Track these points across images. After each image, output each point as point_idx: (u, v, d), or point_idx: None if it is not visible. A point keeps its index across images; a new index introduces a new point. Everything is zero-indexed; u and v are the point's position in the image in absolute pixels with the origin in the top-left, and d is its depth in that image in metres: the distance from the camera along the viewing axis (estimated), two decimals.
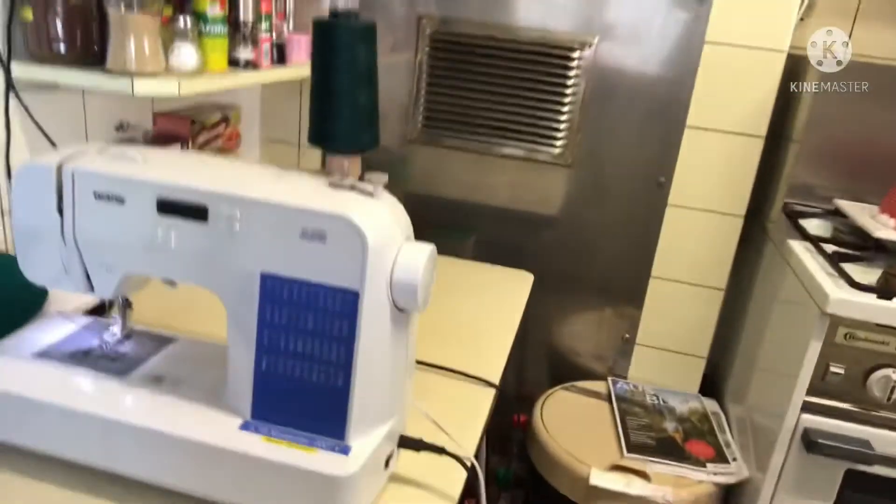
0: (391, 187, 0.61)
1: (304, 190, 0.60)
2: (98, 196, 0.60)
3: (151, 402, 0.63)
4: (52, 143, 0.95)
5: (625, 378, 1.53)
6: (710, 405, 1.46)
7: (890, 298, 1.04)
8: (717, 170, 1.39)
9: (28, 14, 0.85)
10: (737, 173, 1.39)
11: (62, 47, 0.87)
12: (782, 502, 1.15)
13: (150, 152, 0.63)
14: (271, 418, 0.62)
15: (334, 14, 0.59)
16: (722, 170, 1.39)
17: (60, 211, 0.61)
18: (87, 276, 0.64)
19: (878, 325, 1.05)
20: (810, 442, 1.09)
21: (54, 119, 0.96)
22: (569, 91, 1.40)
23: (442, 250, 1.53)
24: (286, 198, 0.57)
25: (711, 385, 1.54)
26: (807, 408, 1.10)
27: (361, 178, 0.63)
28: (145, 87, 0.85)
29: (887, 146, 1.45)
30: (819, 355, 1.08)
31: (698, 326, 1.49)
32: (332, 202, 0.57)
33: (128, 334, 0.71)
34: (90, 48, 0.89)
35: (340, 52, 0.59)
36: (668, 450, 1.29)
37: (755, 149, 1.37)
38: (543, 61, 1.39)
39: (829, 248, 1.21)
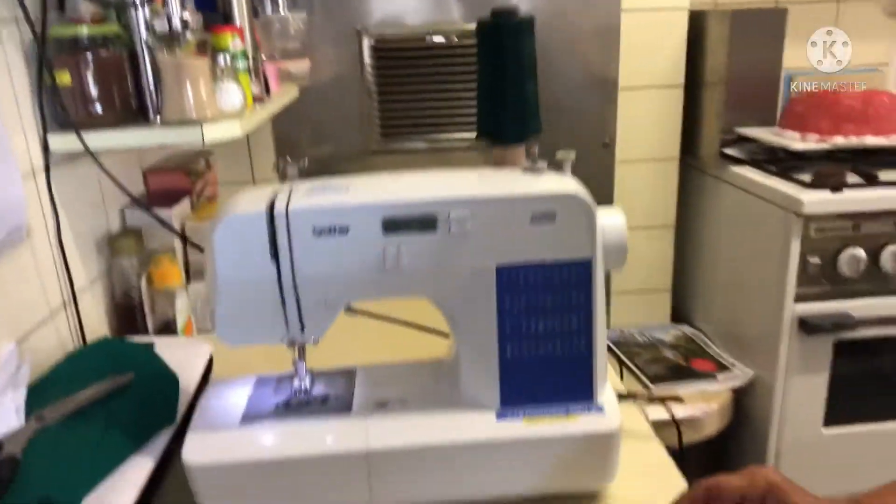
0: None
1: (512, 180, 0.63)
2: (318, 232, 0.58)
3: (402, 424, 0.62)
4: (140, 205, 0.86)
5: (607, 328, 1.67)
6: (687, 329, 1.64)
7: (839, 190, 1.27)
8: (650, 122, 1.57)
9: (66, 77, 0.76)
10: (667, 121, 1.57)
11: (99, 108, 0.79)
12: (793, 388, 1.34)
13: (345, 181, 0.63)
14: (519, 401, 0.64)
15: (496, 13, 0.63)
16: (655, 121, 1.57)
17: (275, 256, 0.58)
18: (301, 321, 0.61)
19: (837, 214, 1.27)
20: (808, 325, 1.29)
21: (75, 190, 0.87)
22: None
23: None
24: (512, 189, 0.60)
25: (677, 313, 1.73)
26: (798, 298, 1.30)
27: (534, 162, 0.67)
28: (212, 132, 0.80)
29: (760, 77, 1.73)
30: (800, 252, 1.28)
31: (659, 263, 1.67)
32: (551, 184, 0.61)
33: (311, 378, 0.69)
34: (128, 104, 0.82)
35: (508, 47, 0.63)
36: (681, 372, 1.45)
37: (678, 97, 1.56)
38: None
39: (769, 166, 1.43)
